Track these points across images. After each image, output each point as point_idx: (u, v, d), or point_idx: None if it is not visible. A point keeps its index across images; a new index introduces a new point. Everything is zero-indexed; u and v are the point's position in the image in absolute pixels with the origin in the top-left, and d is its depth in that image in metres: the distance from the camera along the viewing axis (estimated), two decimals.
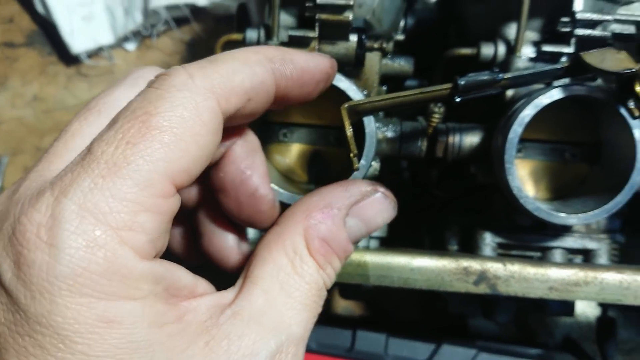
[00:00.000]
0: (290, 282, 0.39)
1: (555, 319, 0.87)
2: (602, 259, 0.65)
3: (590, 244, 0.65)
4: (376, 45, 0.67)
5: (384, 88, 0.78)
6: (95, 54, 0.96)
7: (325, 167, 0.68)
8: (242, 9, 0.76)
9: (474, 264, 0.63)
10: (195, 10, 0.94)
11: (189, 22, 0.97)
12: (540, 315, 0.86)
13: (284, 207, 0.57)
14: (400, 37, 0.75)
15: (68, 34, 0.92)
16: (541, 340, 0.85)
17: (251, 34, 0.68)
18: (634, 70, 0.51)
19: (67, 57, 0.96)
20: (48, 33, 0.97)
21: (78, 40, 0.92)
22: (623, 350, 0.85)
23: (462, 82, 0.52)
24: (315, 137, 0.68)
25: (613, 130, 0.60)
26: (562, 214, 0.59)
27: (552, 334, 0.85)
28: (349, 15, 0.62)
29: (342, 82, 0.58)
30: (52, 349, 0.32)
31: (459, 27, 0.73)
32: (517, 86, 0.55)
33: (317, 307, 0.40)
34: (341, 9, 0.61)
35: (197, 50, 0.94)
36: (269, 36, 0.65)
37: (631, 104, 0.54)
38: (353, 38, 0.64)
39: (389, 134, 0.66)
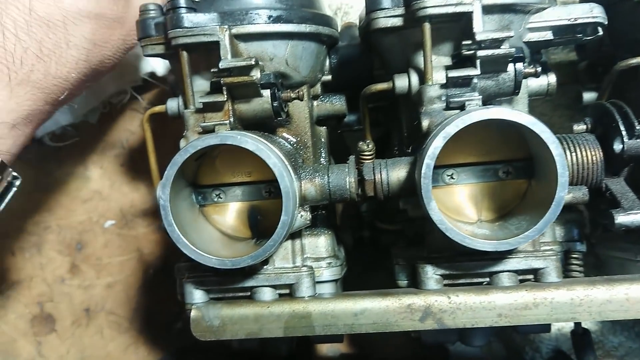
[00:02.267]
0: None
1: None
2: (552, 276, 0.62)
3: (536, 263, 0.62)
4: (293, 95, 0.68)
5: (324, 129, 0.79)
6: (61, 132, 1.01)
7: (263, 220, 0.69)
8: (172, 75, 0.78)
9: (417, 300, 0.62)
10: (153, 77, 0.98)
11: (146, 90, 1.00)
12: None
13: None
14: (327, 77, 0.76)
15: None
16: (529, 357, 0.82)
17: (172, 104, 0.70)
18: None
19: (34, 141, 1.00)
20: None
21: None
22: (616, 357, 0.81)
23: None
24: (247, 193, 0.69)
25: (536, 145, 0.59)
26: (492, 241, 0.57)
27: (539, 349, 0.82)
28: (255, 75, 0.62)
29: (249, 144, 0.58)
30: None
31: (380, 59, 0.73)
32: None
33: None
34: (246, 69, 0.62)
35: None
36: (186, 105, 0.67)
37: None
38: (266, 93, 0.65)
39: (317, 181, 0.66)
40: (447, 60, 0.65)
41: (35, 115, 0.70)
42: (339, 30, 0.79)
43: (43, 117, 0.72)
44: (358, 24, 0.80)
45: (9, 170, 0.67)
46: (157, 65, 0.97)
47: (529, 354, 0.82)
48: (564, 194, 0.55)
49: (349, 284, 0.75)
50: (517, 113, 0.55)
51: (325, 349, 0.91)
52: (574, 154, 0.62)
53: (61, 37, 0.66)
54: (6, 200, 0.67)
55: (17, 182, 0.68)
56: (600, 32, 0.67)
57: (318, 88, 0.75)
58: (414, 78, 0.65)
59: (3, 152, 0.66)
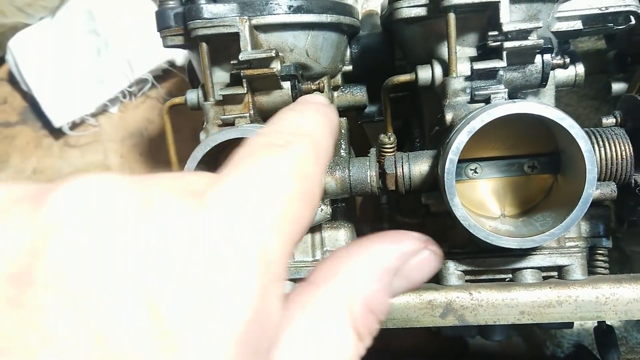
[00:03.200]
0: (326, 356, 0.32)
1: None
2: (577, 274, 0.61)
3: (561, 260, 0.61)
4: (314, 87, 0.67)
5: (344, 120, 0.77)
6: (81, 121, 1.01)
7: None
8: (191, 66, 0.77)
9: (438, 297, 0.61)
10: (173, 66, 0.98)
11: (165, 79, 1.00)
12: None
13: None
14: (347, 67, 0.74)
15: (49, 109, 0.97)
16: (550, 352, 0.81)
17: (191, 96, 0.70)
18: None
19: (56, 130, 1.01)
20: (37, 109, 1.03)
21: (59, 114, 0.97)
22: None
23: None
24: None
25: (564, 139, 0.57)
26: (517, 239, 0.56)
27: (560, 344, 0.81)
28: (275, 67, 0.62)
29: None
30: None
31: (403, 49, 0.72)
32: None
33: None
34: (266, 61, 0.61)
35: None
36: (206, 97, 0.66)
37: None
38: (286, 85, 0.64)
39: (338, 174, 0.65)
40: (472, 52, 0.63)
41: None
42: (360, 19, 0.77)
43: None
44: (380, 12, 0.79)
45: None
46: (176, 55, 0.96)
47: (550, 349, 0.81)
48: (592, 191, 0.54)
49: None
50: (544, 107, 0.53)
51: None
52: (602, 148, 0.60)
53: None
54: None
55: None
56: (633, 22, 0.64)
57: (338, 79, 0.74)
58: (438, 70, 0.63)
59: None
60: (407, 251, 0.36)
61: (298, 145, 0.32)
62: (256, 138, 0.32)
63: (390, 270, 0.36)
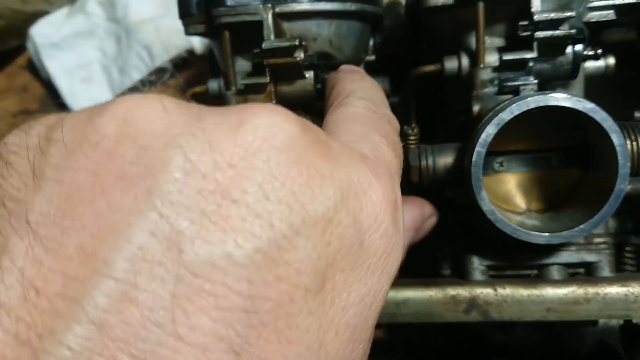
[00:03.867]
0: None
1: None
2: (605, 271, 0.60)
3: (589, 257, 0.60)
4: None
5: None
6: None
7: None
8: (212, 54, 0.76)
9: (462, 292, 0.60)
10: (192, 55, 0.97)
11: (184, 69, 0.99)
12: None
13: None
14: (371, 57, 0.73)
15: (69, 96, 0.97)
16: (573, 349, 0.80)
17: (213, 85, 0.69)
18: None
19: None
20: (57, 97, 1.03)
21: (79, 102, 0.97)
22: None
23: None
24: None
25: (595, 133, 0.55)
26: (545, 234, 0.55)
27: (584, 341, 0.80)
28: (299, 55, 0.61)
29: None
30: None
31: (429, 39, 0.70)
32: None
33: None
34: (289, 50, 0.60)
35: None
36: (227, 86, 0.65)
37: None
38: (309, 74, 0.63)
39: None
40: (501, 42, 0.61)
41: None
42: (384, 8, 0.76)
43: None
44: (404, 1, 0.77)
45: None
46: (196, 43, 0.96)
47: (573, 345, 0.80)
48: (624, 186, 0.52)
49: None
50: (576, 100, 0.52)
51: None
52: (634, 142, 0.58)
53: None
54: None
55: None
56: None
57: (361, 69, 0.72)
58: (465, 60, 0.62)
59: None
60: (426, 215, 0.47)
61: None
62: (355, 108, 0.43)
63: (417, 229, 0.46)
